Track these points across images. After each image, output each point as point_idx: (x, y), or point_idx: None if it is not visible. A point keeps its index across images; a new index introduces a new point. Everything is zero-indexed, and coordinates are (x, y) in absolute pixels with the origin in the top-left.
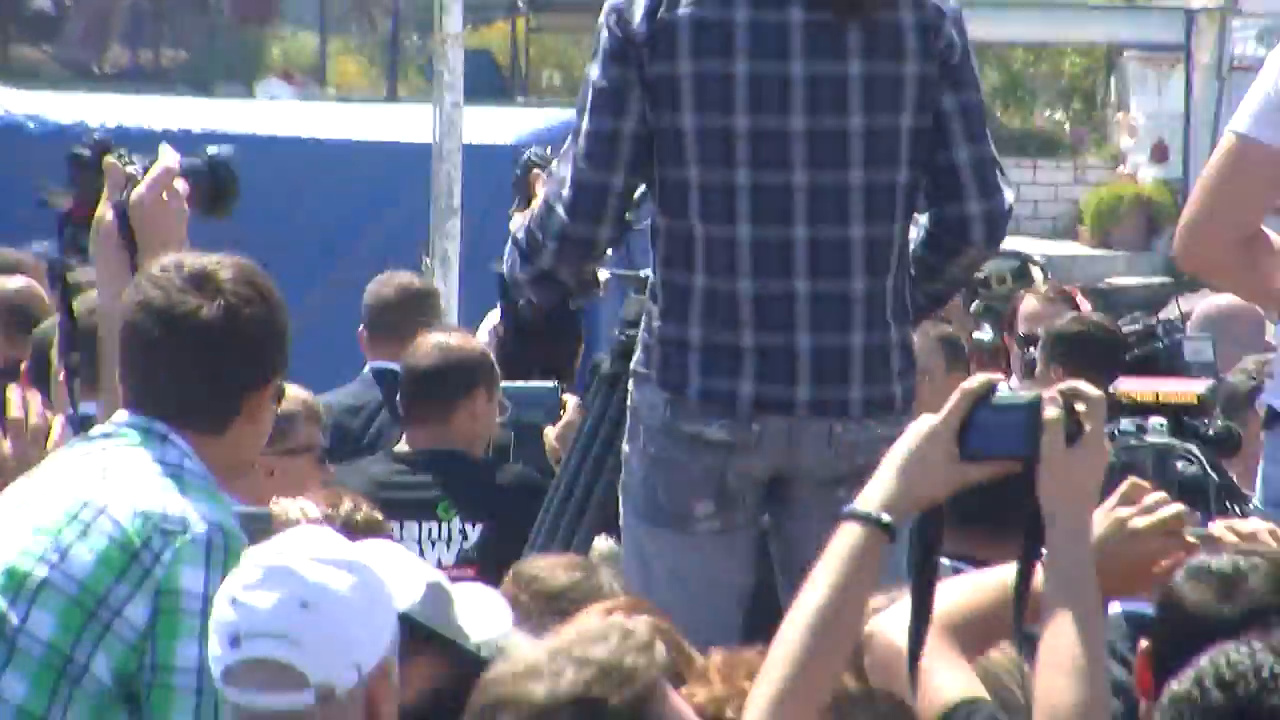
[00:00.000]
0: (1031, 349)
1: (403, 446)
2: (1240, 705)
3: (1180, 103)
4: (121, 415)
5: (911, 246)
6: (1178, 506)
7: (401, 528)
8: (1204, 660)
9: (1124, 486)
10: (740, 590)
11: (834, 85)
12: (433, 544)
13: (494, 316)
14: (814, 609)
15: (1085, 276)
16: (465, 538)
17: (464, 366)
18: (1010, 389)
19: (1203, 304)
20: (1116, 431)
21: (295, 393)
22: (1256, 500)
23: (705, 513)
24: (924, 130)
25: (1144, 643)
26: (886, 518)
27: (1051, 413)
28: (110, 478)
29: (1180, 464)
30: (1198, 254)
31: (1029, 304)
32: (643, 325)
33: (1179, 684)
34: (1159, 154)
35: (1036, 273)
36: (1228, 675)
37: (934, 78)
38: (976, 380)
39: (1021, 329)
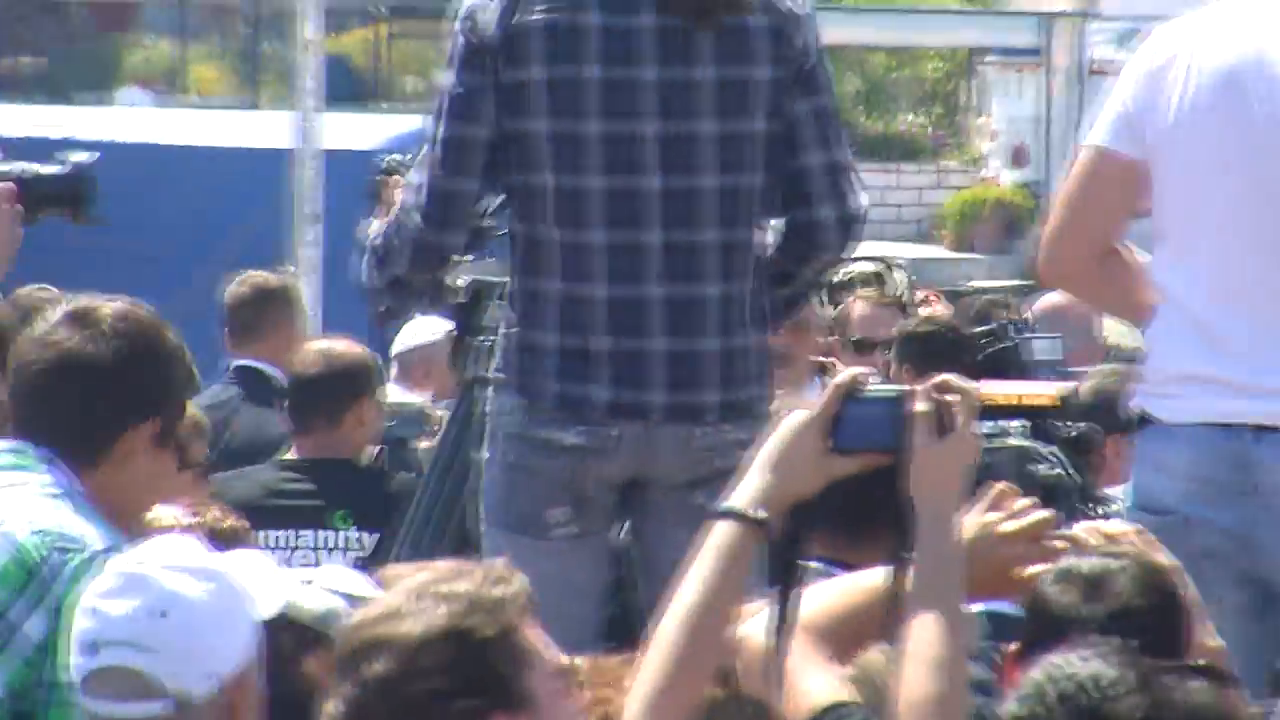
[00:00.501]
0: (863, 354)
1: (291, 454)
2: (1083, 716)
3: (1039, 107)
4: (10, 441)
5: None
6: (1045, 513)
7: (296, 535)
8: (1037, 676)
9: (992, 491)
10: (599, 594)
11: (686, 90)
12: (329, 551)
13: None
14: (687, 607)
15: (946, 279)
16: (361, 546)
17: (351, 374)
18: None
19: (1040, 301)
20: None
21: None
22: (1125, 504)
23: (562, 518)
24: (776, 135)
25: (1012, 645)
26: (759, 513)
27: (920, 406)
28: (3, 497)
29: (1041, 466)
30: (1059, 267)
31: (860, 309)
32: (500, 331)
33: (1018, 705)
34: (1018, 158)
35: (899, 276)
36: (1067, 688)
37: (786, 82)
38: (846, 374)
39: (857, 333)
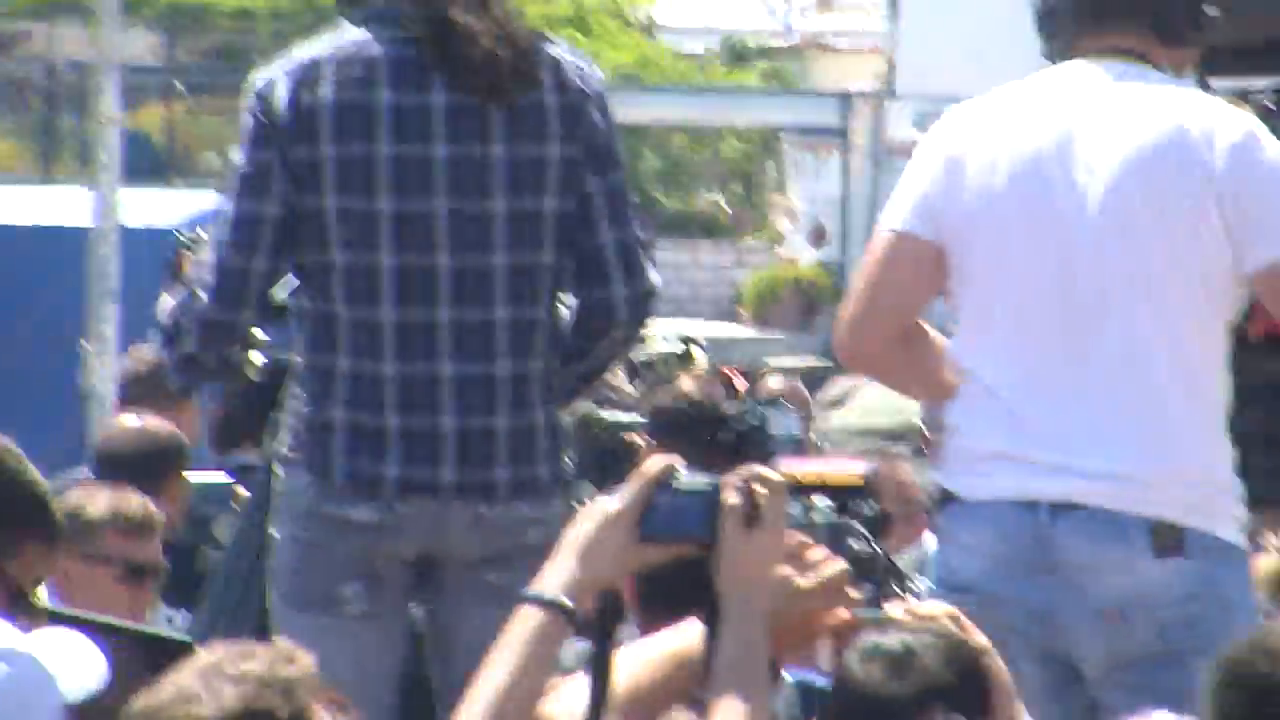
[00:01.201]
0: None
1: None
2: None
3: (838, 186)
4: None
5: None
6: (840, 564)
7: None
8: None
9: (789, 544)
10: (391, 673)
11: (477, 167)
12: None
13: None
14: (491, 693)
15: (746, 357)
16: (170, 623)
17: (163, 451)
18: (695, 471)
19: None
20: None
21: (106, 499)
22: (928, 580)
23: (353, 595)
24: (568, 213)
25: None
26: (566, 601)
27: (730, 498)
28: None
29: (855, 543)
30: (860, 350)
31: (685, 385)
32: (289, 409)
33: None
34: (817, 236)
35: (699, 354)
36: None
37: (578, 159)
38: (657, 463)
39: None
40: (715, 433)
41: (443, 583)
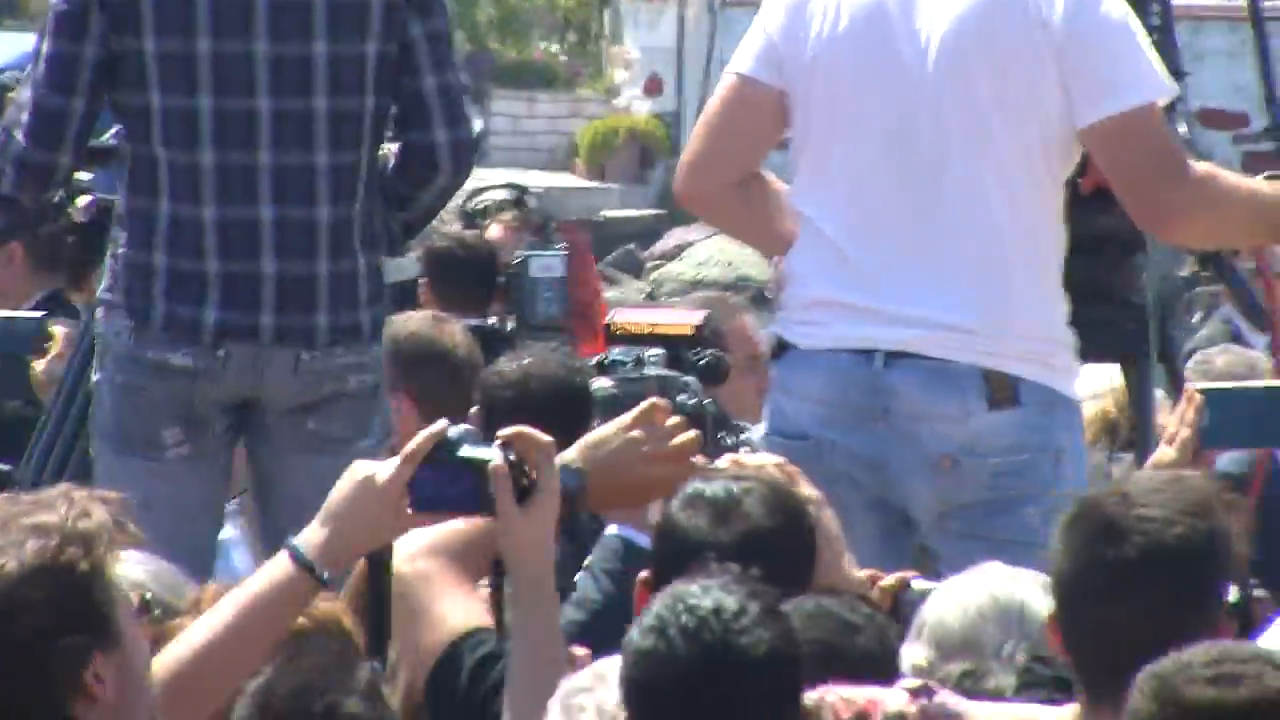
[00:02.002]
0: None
1: None
2: (709, 650)
3: (673, 37)
4: None
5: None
6: (693, 433)
7: None
8: (660, 608)
9: (643, 406)
10: (213, 516)
11: (297, 11)
12: None
13: None
14: (221, 627)
15: (580, 209)
16: None
17: None
18: (468, 438)
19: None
20: (612, 362)
21: None
22: (762, 428)
23: (174, 439)
24: (390, 57)
25: (644, 573)
26: (317, 569)
27: (499, 473)
28: None
29: (682, 395)
30: (698, 193)
31: (493, 232)
32: (109, 252)
33: (641, 637)
34: (653, 87)
35: (532, 203)
36: (689, 622)
37: (400, 5)
38: (428, 432)
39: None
40: (488, 276)
41: (265, 428)
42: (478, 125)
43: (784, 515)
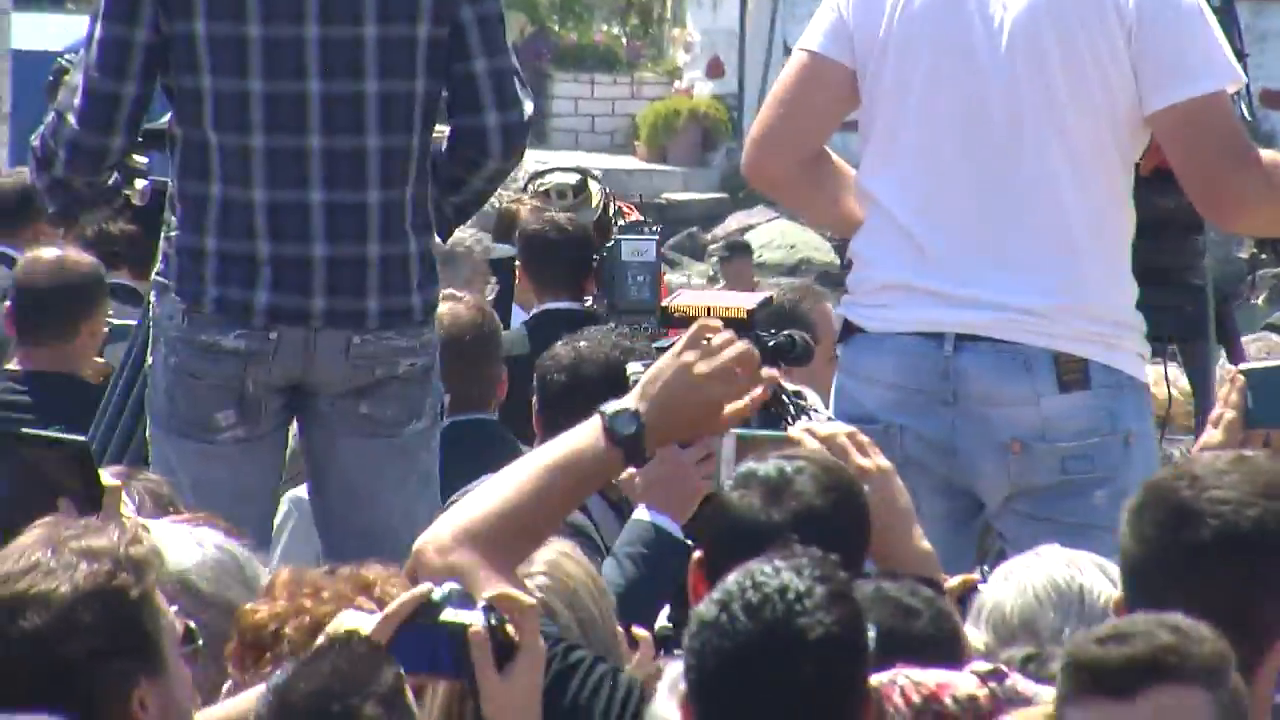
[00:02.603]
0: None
1: (16, 365)
2: (769, 628)
3: (735, 20)
4: None
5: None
6: (744, 344)
7: None
8: (730, 582)
9: (692, 329)
10: (267, 498)
11: None
12: None
13: None
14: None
15: (642, 191)
16: None
17: (86, 284)
18: (453, 599)
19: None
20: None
21: None
22: (829, 413)
23: (227, 422)
24: (441, 40)
25: (697, 553)
26: None
27: (477, 639)
28: None
29: None
30: (768, 169)
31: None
32: (162, 234)
33: (705, 607)
34: (714, 70)
35: (594, 186)
36: (754, 599)
37: None
38: (411, 594)
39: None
40: (582, 259)
41: (317, 411)
42: (529, 108)
43: (836, 493)
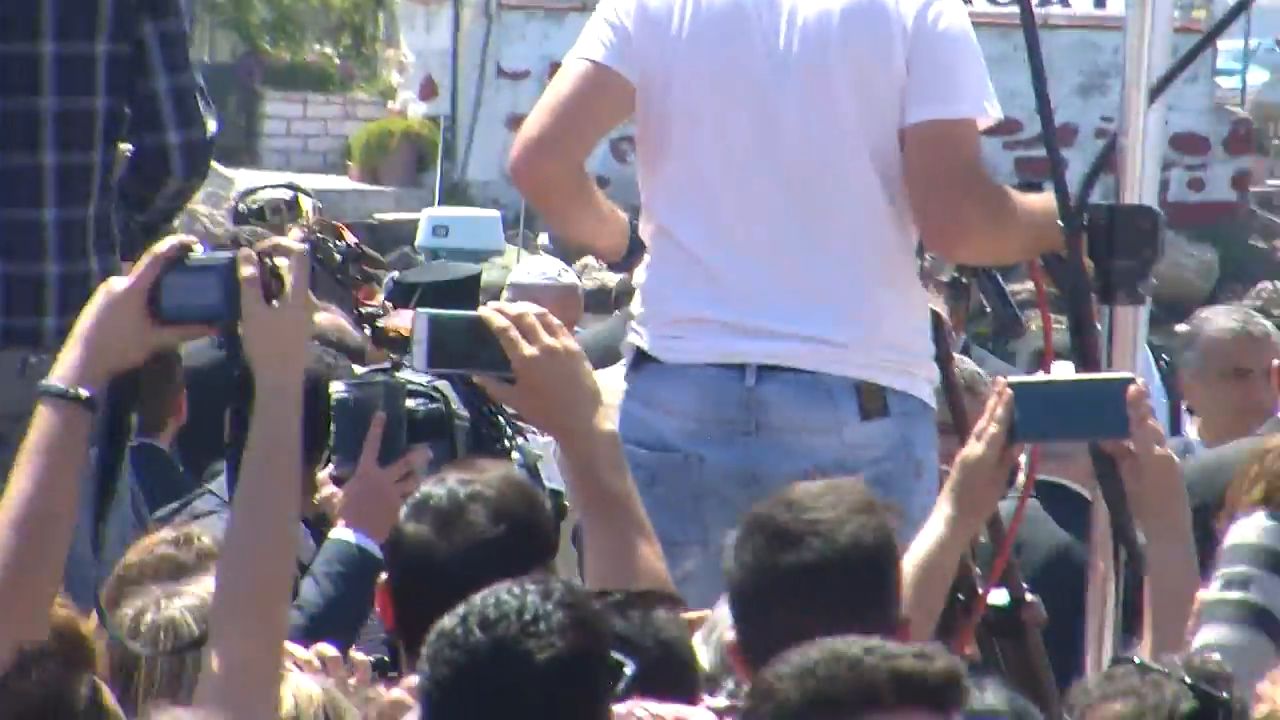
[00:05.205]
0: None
1: None
2: (498, 644)
3: (448, 41)
4: None
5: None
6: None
7: None
8: (477, 597)
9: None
10: None
11: (24, 9)
12: None
13: None
14: (20, 499)
15: (355, 212)
16: None
17: None
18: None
19: None
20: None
21: None
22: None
23: None
24: (121, 57)
25: (384, 576)
26: (81, 391)
27: (247, 271)
28: None
29: (415, 401)
30: (540, 170)
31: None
32: None
33: (448, 618)
34: (428, 91)
35: (306, 202)
36: (491, 615)
37: (131, 4)
38: (167, 242)
39: None
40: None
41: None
42: (212, 126)
43: (510, 521)
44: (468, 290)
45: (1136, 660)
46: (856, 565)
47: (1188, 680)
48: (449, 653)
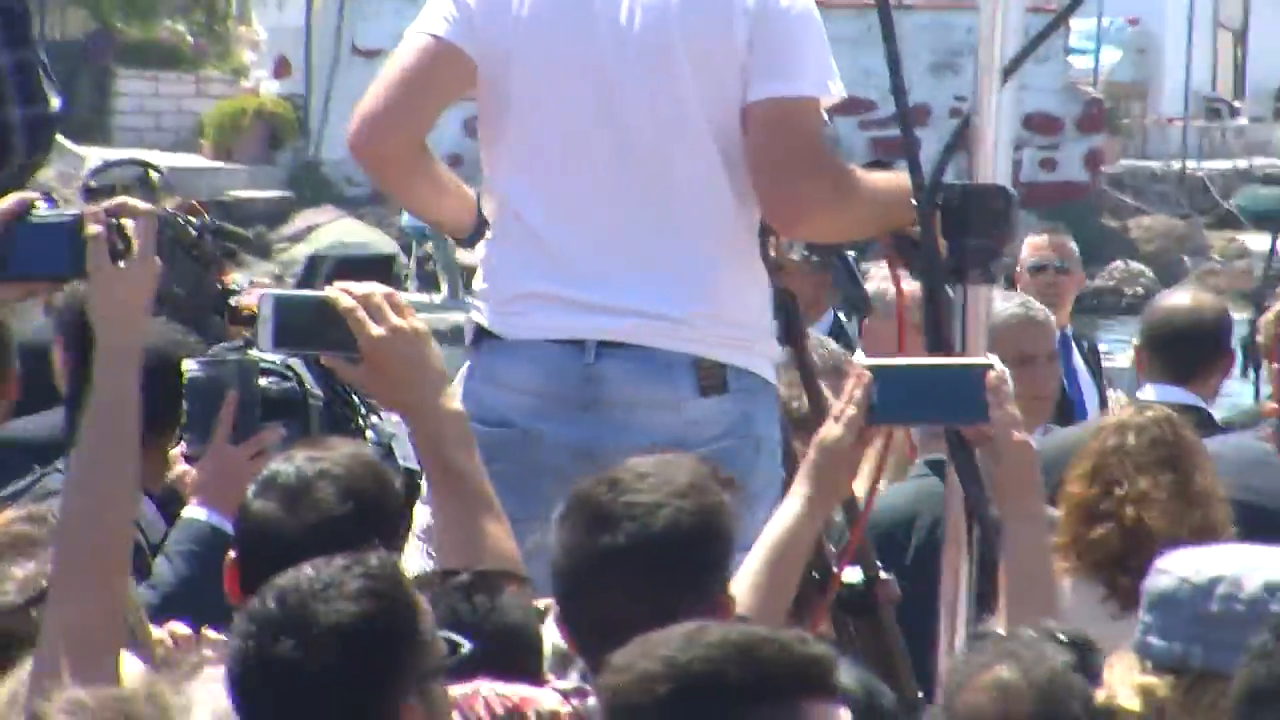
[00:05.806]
0: None
1: None
2: (287, 611)
3: (302, 19)
4: None
5: None
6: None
7: None
8: (288, 572)
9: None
10: None
11: None
12: None
13: None
14: None
15: (208, 189)
16: None
17: None
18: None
19: None
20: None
21: None
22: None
23: None
24: None
25: (231, 553)
26: None
27: (92, 229)
28: None
29: (269, 380)
30: (381, 143)
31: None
32: None
33: (257, 593)
34: (281, 69)
35: (157, 178)
36: (287, 584)
37: None
38: (17, 195)
39: None
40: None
41: None
42: (56, 103)
43: (357, 500)
44: (379, 270)
45: (998, 633)
46: (670, 549)
47: (1062, 638)
48: (244, 625)
